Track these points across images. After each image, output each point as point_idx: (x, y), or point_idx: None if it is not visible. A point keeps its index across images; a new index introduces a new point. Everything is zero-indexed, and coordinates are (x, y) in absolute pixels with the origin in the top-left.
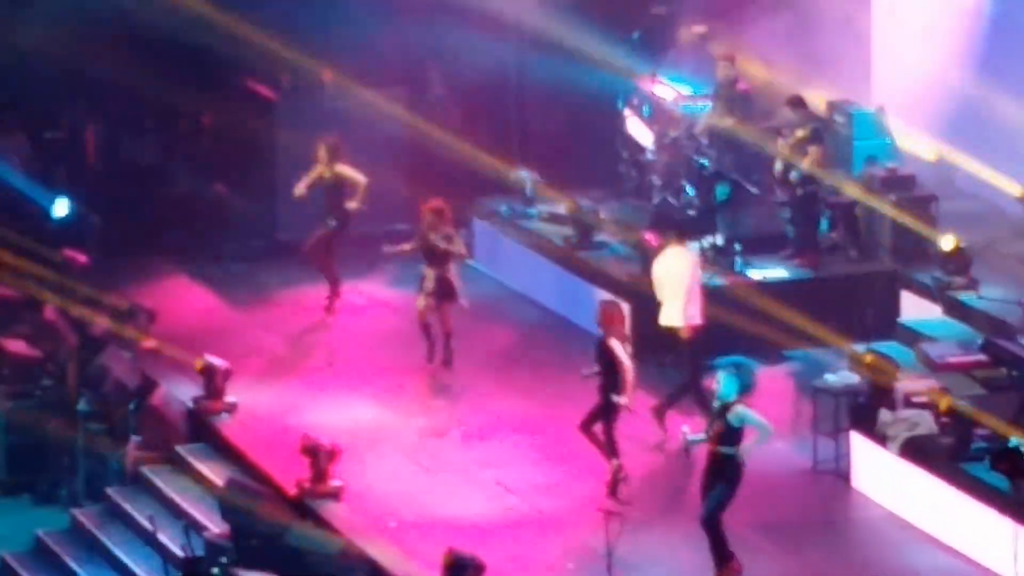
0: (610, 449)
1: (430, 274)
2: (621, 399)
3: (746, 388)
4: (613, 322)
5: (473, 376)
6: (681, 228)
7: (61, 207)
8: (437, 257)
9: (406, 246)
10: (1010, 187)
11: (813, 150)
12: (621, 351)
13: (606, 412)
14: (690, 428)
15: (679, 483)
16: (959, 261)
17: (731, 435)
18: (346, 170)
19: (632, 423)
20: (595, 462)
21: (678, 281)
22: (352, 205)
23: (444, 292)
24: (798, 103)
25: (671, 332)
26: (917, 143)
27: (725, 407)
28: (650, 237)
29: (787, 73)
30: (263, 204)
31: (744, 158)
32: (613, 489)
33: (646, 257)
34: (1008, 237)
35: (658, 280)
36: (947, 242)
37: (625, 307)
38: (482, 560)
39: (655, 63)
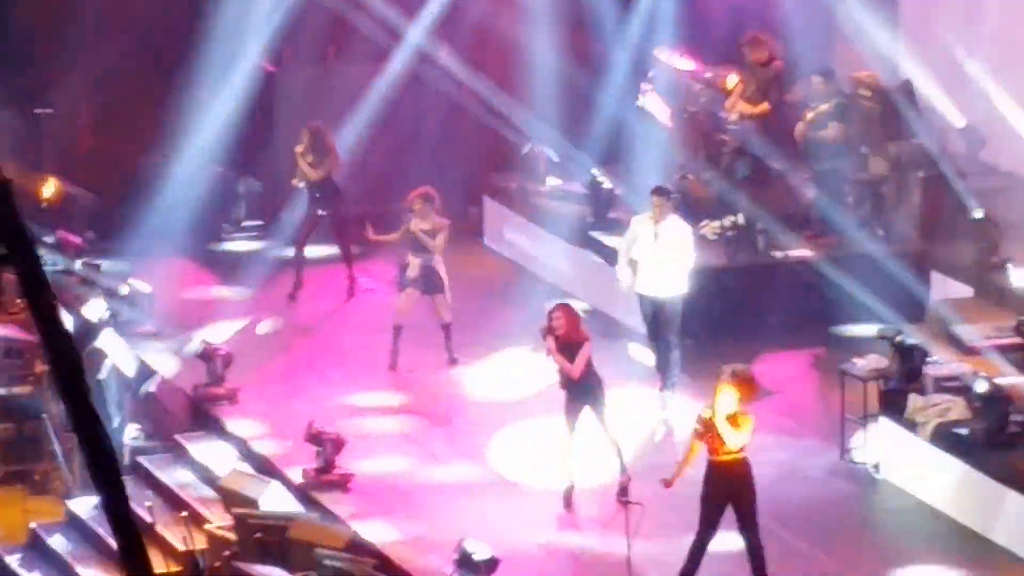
0: (616, 451)
1: (415, 263)
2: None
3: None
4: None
5: (483, 360)
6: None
7: (51, 188)
8: (423, 247)
9: (393, 236)
10: None
11: (835, 125)
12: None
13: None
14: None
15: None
16: (991, 239)
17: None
18: (325, 170)
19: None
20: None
21: (683, 250)
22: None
23: (431, 284)
24: (828, 75)
25: (660, 302)
26: (947, 115)
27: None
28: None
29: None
30: (264, 182)
31: (771, 134)
32: (623, 492)
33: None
34: None
35: (656, 248)
36: (978, 217)
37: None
38: (495, 553)
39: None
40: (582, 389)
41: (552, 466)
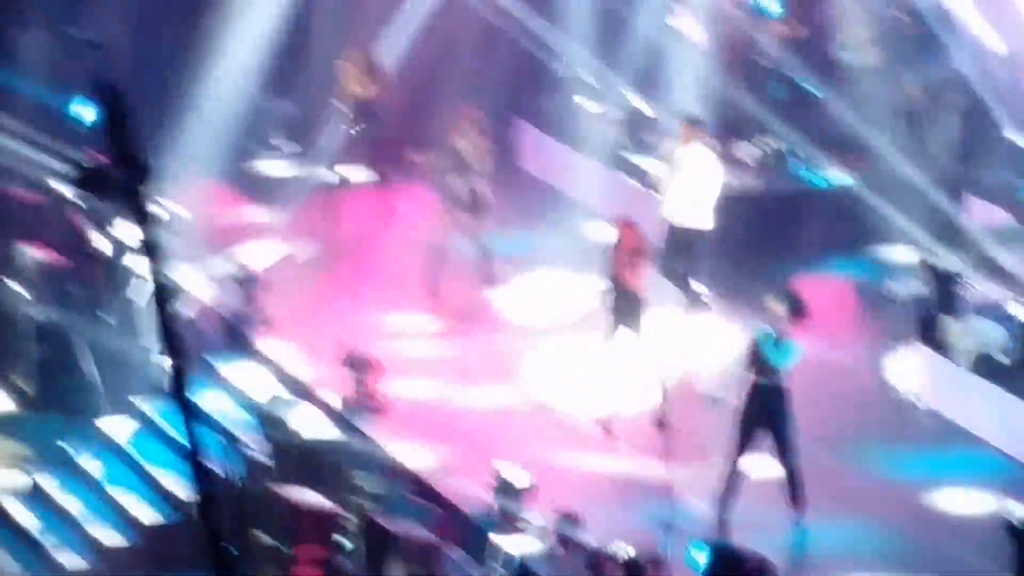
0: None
1: (457, 183)
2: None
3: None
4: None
5: (518, 282)
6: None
7: (89, 112)
8: (467, 168)
9: (436, 156)
10: None
11: (873, 50)
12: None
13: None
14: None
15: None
16: None
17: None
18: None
19: None
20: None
21: (711, 181)
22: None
23: (473, 204)
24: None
25: (690, 233)
26: (985, 39)
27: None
28: (685, 130)
29: None
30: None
31: (808, 56)
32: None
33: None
34: None
35: (680, 175)
36: (1015, 141)
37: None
38: (533, 477)
39: None
40: (631, 303)
41: (588, 389)
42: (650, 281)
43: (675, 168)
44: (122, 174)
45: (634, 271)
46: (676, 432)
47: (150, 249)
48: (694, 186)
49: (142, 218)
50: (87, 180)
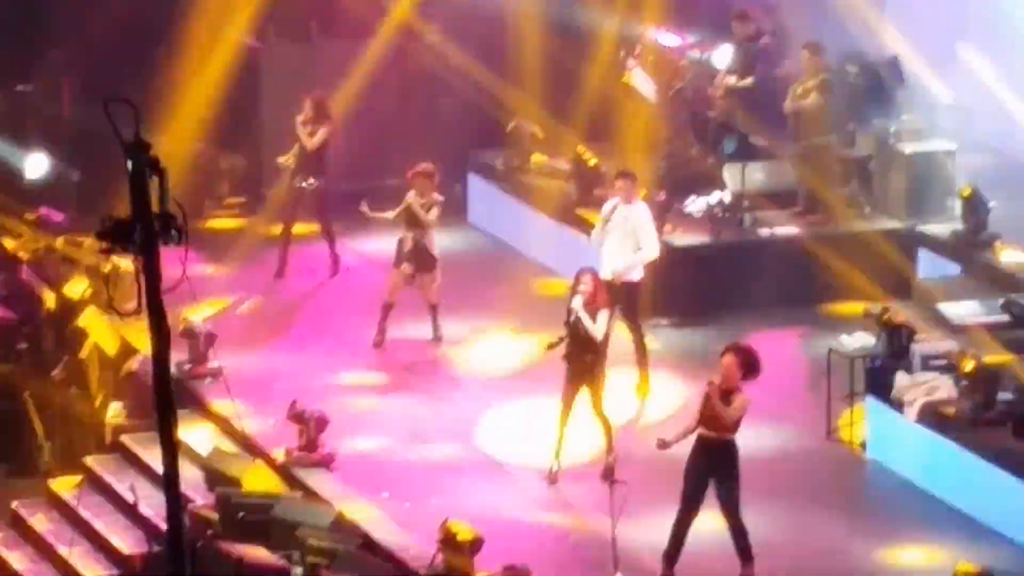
0: (605, 431)
1: (408, 238)
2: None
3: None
4: (597, 293)
5: (468, 339)
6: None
7: (36, 165)
8: (417, 222)
9: (389, 214)
10: None
11: (815, 97)
12: (600, 325)
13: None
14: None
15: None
16: (978, 216)
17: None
18: (322, 138)
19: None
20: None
21: (646, 233)
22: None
23: (422, 261)
24: (815, 50)
25: (622, 287)
26: (934, 91)
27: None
28: (620, 184)
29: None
30: (248, 159)
31: (759, 111)
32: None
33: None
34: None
35: (624, 230)
36: (965, 195)
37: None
38: (480, 532)
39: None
40: (584, 363)
41: (537, 445)
42: (606, 332)
43: (610, 223)
44: (150, 226)
45: (591, 321)
46: (624, 486)
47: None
48: (626, 242)
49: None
50: (111, 233)
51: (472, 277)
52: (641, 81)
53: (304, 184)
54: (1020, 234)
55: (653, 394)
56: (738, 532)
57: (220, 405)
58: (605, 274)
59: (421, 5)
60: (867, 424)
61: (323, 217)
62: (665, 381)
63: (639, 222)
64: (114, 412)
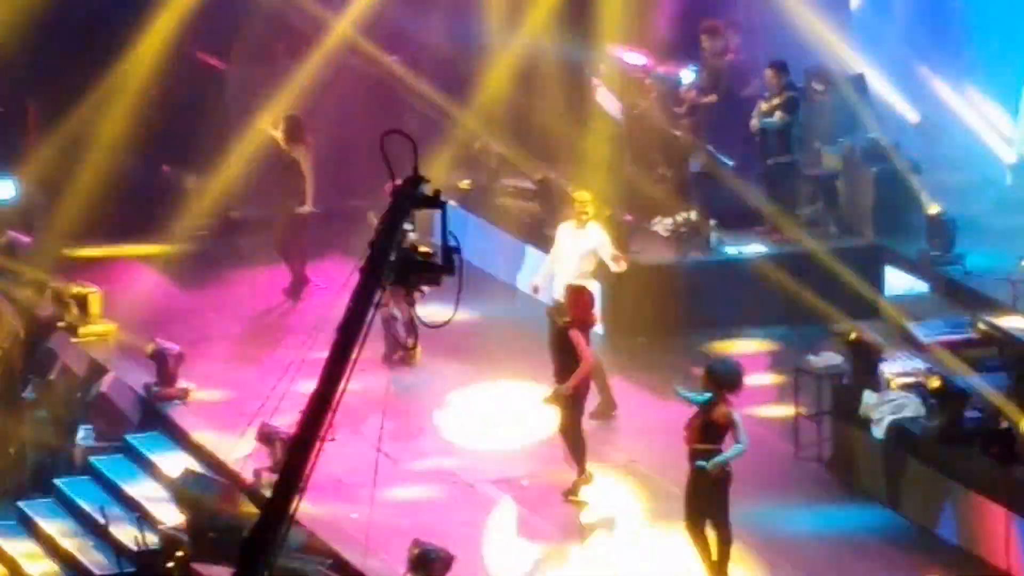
0: (576, 455)
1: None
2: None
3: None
4: (582, 309)
5: (438, 362)
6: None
7: (3, 188)
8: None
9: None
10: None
11: (780, 115)
12: (583, 344)
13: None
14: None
15: None
16: (945, 235)
17: (714, 435)
18: (301, 157)
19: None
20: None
21: (606, 252)
22: (305, 209)
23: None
24: (780, 68)
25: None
26: (899, 109)
27: (708, 406)
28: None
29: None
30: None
31: (724, 129)
32: (574, 492)
33: (618, 235)
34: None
35: (581, 254)
36: (932, 212)
37: (596, 288)
38: (450, 552)
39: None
40: (569, 371)
41: (507, 465)
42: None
43: (563, 244)
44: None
45: (576, 337)
46: (592, 505)
47: None
48: (579, 263)
49: None
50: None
51: (439, 298)
52: (606, 100)
53: (293, 207)
54: (986, 251)
55: (619, 410)
56: (723, 553)
57: (189, 425)
58: (557, 295)
59: (387, 37)
60: (834, 442)
61: (295, 239)
62: (631, 397)
63: (598, 242)
64: (83, 434)
